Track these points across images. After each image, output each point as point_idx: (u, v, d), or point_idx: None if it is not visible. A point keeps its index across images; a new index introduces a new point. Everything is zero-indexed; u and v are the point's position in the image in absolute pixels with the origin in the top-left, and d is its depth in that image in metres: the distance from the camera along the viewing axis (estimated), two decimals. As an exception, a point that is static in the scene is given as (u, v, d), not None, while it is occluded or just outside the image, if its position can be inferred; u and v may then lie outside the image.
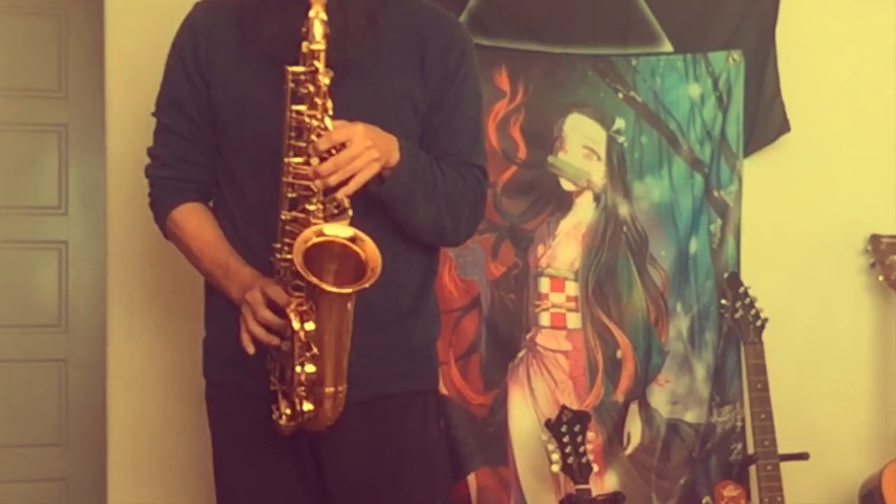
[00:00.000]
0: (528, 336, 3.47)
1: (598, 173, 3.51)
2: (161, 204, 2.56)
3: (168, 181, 2.54)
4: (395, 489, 2.48)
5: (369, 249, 2.22)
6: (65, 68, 4.37)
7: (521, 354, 3.46)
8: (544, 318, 3.48)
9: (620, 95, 3.52)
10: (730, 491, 3.41)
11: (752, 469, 3.45)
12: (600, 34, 3.51)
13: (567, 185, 3.50)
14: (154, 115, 2.58)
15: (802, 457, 3.44)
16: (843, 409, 3.69)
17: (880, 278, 3.62)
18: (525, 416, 3.45)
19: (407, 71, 2.46)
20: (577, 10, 3.49)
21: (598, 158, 3.52)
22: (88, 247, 4.38)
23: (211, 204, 2.57)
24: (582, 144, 3.50)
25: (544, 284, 3.48)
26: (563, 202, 3.49)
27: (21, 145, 4.38)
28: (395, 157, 2.34)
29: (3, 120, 4.36)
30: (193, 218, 2.53)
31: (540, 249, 3.47)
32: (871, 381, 3.72)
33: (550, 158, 3.48)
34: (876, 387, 3.72)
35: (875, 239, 3.64)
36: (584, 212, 3.51)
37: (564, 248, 3.49)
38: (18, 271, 4.39)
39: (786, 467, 3.40)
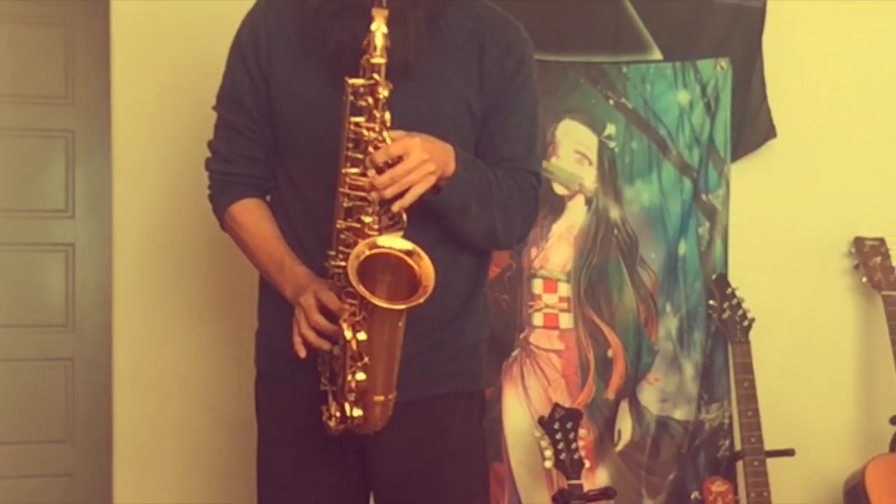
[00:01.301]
0: (521, 335, 3.47)
1: (589, 178, 3.52)
2: (220, 199, 2.53)
3: (227, 176, 2.50)
4: (436, 488, 2.45)
5: (425, 266, 2.19)
6: (72, 76, 4.37)
7: (514, 353, 3.47)
8: (537, 318, 3.49)
9: (611, 102, 3.53)
10: (718, 486, 3.42)
11: (740, 465, 3.46)
12: (592, 42, 3.52)
13: (559, 189, 3.51)
14: (215, 109, 2.54)
15: (788, 453, 3.46)
16: (828, 407, 3.69)
17: (864, 279, 3.63)
18: (519, 413, 3.46)
19: (465, 76, 2.41)
20: (569, 19, 3.50)
21: (590, 163, 3.53)
22: (95, 249, 4.39)
23: (268, 199, 2.54)
24: (574, 150, 3.51)
25: (537, 285, 3.49)
26: (556, 206, 3.50)
27: (29, 150, 4.39)
28: (451, 167, 2.30)
29: (12, 126, 4.37)
30: (251, 214, 2.49)
31: (533, 251, 3.48)
32: (855, 380, 3.73)
33: (543, 163, 3.49)
34: (859, 385, 3.73)
35: (858, 241, 3.65)
36: (576, 215, 3.51)
37: (557, 250, 3.50)
38: (26, 273, 4.40)
39: (772, 463, 3.41)
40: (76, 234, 4.46)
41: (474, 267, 2.49)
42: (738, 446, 3.50)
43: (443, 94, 2.40)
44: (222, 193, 2.52)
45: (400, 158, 2.20)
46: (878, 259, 3.62)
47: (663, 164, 3.55)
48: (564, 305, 3.50)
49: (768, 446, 3.41)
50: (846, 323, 3.73)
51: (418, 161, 2.21)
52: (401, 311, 2.18)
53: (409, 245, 2.21)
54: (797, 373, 3.67)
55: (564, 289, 3.50)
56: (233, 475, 3.27)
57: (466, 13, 2.44)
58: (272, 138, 2.47)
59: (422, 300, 2.16)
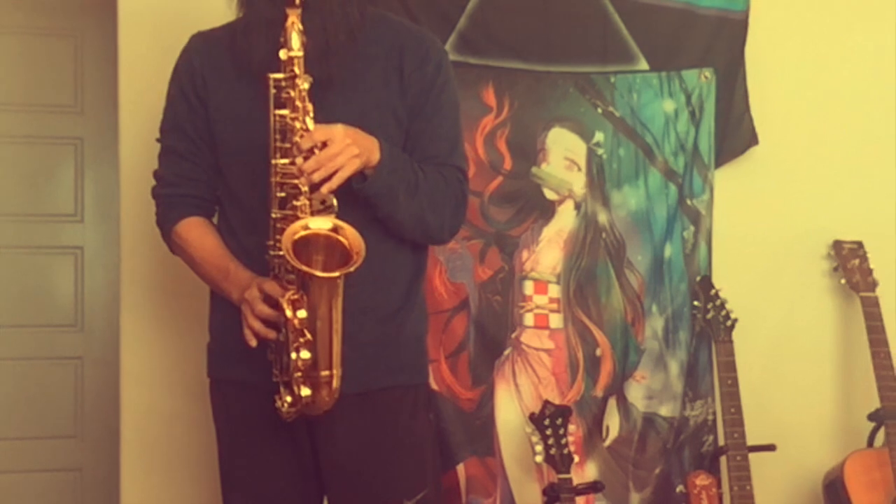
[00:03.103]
0: (513, 335, 3.47)
1: (578, 183, 3.53)
2: (166, 220, 2.61)
3: (171, 198, 2.59)
4: (386, 477, 2.51)
5: (351, 236, 2.26)
6: (80, 85, 4.41)
7: (506, 352, 3.47)
8: (528, 319, 3.49)
9: (599, 110, 3.53)
10: (702, 480, 3.42)
11: (723, 460, 3.46)
12: (581, 53, 3.52)
13: (550, 195, 3.51)
14: (158, 140, 2.63)
15: (770, 448, 3.46)
16: (808, 404, 3.69)
17: (842, 281, 3.63)
18: (510, 410, 3.46)
19: (387, 84, 2.49)
20: (559, 30, 3.50)
21: (579, 169, 3.53)
22: (103, 252, 4.42)
23: (215, 220, 2.61)
24: (563, 156, 3.51)
25: (528, 287, 3.49)
26: (546, 210, 3.51)
27: (40, 157, 4.42)
28: (375, 155, 2.37)
29: (24, 133, 4.40)
30: (195, 230, 2.57)
31: (524, 254, 3.49)
32: (834, 377, 3.73)
33: (534, 169, 3.49)
34: (838, 382, 3.73)
35: (837, 244, 3.66)
36: (565, 219, 3.52)
37: (547, 253, 3.51)
38: (37, 275, 4.43)
39: (754, 458, 3.41)
40: (85, 237, 4.49)
41: (412, 262, 2.56)
42: (721, 442, 3.50)
43: (368, 101, 2.47)
44: (168, 214, 2.61)
45: (325, 144, 2.28)
46: (857, 261, 3.63)
47: (650, 170, 3.56)
48: (554, 306, 3.50)
49: (750, 442, 3.41)
50: (826, 323, 3.73)
51: (342, 145, 2.29)
52: (337, 279, 2.24)
53: (331, 222, 2.27)
54: (778, 371, 3.68)
55: (554, 290, 3.51)
56: (236, 469, 3.28)
57: (384, 28, 2.55)
58: (213, 160, 2.55)
59: (354, 268, 2.22)
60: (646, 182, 3.56)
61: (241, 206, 2.51)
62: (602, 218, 3.54)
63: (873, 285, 3.61)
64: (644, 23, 3.56)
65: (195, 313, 3.31)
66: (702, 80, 3.58)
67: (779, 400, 3.65)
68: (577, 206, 3.53)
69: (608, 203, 3.54)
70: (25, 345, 4.41)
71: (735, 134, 3.64)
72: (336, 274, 2.23)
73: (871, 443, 3.55)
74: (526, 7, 3.49)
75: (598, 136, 3.54)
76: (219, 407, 2.65)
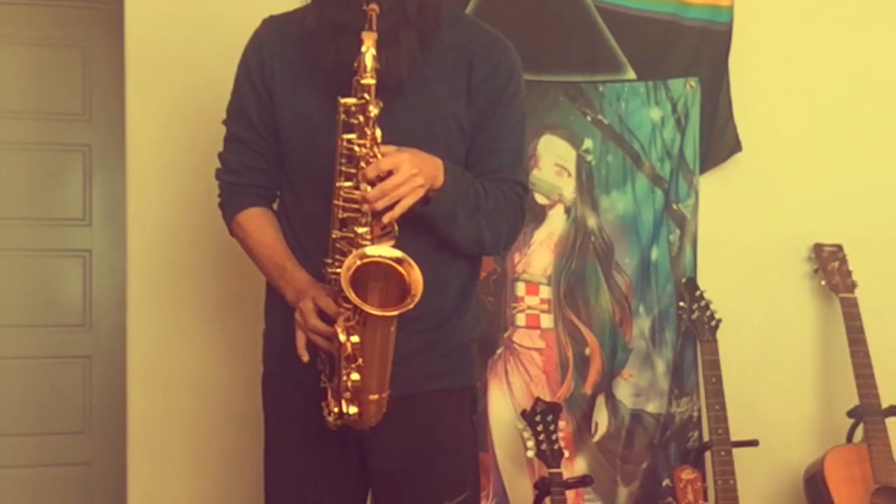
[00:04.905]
0: (505, 335, 3.48)
1: (568, 188, 3.53)
2: (228, 207, 2.54)
3: (234, 186, 2.52)
4: (430, 478, 2.46)
5: (414, 274, 2.19)
6: (88, 93, 4.41)
7: (499, 351, 3.47)
8: (520, 319, 3.49)
9: (588, 118, 3.54)
10: (687, 474, 3.42)
11: (708, 455, 3.46)
12: (570, 63, 3.53)
13: (541, 199, 3.52)
14: (224, 122, 2.55)
15: (752, 444, 3.46)
16: (790, 401, 3.70)
17: (822, 283, 3.64)
18: (503, 406, 3.46)
19: (455, 94, 2.41)
20: (549, 41, 3.50)
21: (569, 175, 3.54)
22: (110, 255, 4.42)
23: (275, 206, 2.56)
24: (554, 162, 3.52)
25: (520, 288, 3.50)
26: (538, 214, 3.51)
27: (49, 163, 4.43)
28: (440, 180, 2.30)
29: (33, 140, 4.40)
30: (256, 222, 2.50)
31: (516, 257, 3.50)
32: (815, 375, 3.73)
33: (525, 175, 3.50)
34: (819, 380, 3.73)
35: (818, 247, 3.67)
36: (556, 223, 3.53)
37: (538, 255, 3.51)
38: (47, 277, 4.43)
39: (738, 453, 3.42)
40: (93, 240, 4.49)
41: (466, 271, 2.50)
42: (706, 437, 3.50)
43: (434, 110, 2.39)
44: (230, 202, 2.54)
45: (390, 173, 2.21)
46: (836, 264, 3.64)
47: (637, 175, 3.57)
48: (545, 307, 3.51)
49: (734, 437, 3.41)
50: (806, 323, 3.74)
51: (407, 175, 2.22)
52: (392, 317, 2.19)
53: (398, 253, 2.21)
54: (761, 369, 3.68)
55: (545, 291, 3.51)
56: (239, 465, 3.29)
57: (457, 32, 2.44)
58: (277, 151, 2.48)
59: (411, 306, 2.17)
60: (633, 187, 3.57)
61: (301, 204, 2.45)
62: (591, 222, 3.54)
63: (852, 287, 3.62)
64: (631, 34, 3.56)
65: (200, 314, 3.33)
66: (687, 88, 3.59)
67: (761, 397, 3.66)
68: (567, 211, 3.53)
69: (597, 207, 3.55)
70: (36, 344, 4.41)
71: (719, 141, 3.64)
72: (391, 314, 2.18)
73: (850, 438, 3.56)
74: (517, 18, 3.48)
75: (588, 143, 3.54)
76: (269, 398, 2.58)
